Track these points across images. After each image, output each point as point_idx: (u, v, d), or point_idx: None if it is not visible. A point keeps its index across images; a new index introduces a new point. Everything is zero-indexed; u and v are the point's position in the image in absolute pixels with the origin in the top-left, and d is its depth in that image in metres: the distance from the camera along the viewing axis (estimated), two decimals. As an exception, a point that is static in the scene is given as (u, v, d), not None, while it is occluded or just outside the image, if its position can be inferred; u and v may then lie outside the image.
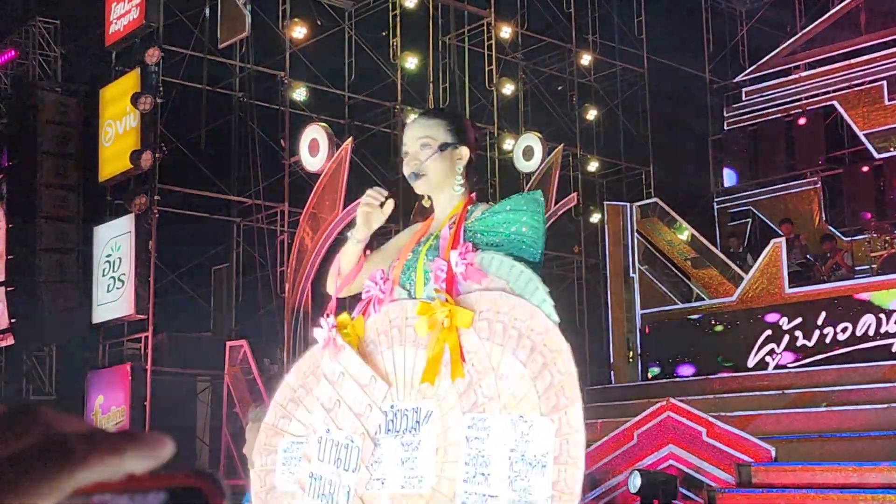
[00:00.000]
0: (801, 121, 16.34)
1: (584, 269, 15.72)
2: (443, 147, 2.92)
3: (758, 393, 10.18)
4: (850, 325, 10.84)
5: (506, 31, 15.21)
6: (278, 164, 13.03)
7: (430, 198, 2.99)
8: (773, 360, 11.29)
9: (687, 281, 13.47)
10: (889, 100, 15.10)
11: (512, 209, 2.80)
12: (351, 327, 2.95)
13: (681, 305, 12.91)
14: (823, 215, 16.03)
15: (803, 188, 16.32)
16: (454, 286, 2.73)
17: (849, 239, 14.93)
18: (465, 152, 2.97)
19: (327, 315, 2.98)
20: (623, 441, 8.68)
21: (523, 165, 14.16)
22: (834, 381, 9.89)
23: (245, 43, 13.17)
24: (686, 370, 12.06)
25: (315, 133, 12.08)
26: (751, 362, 11.43)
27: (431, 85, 14.44)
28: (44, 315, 13.35)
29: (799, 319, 11.21)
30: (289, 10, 13.34)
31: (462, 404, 2.64)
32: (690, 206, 15.60)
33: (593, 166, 16.09)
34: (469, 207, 2.92)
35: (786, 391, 9.89)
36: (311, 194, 11.39)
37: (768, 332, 11.39)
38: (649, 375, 12.39)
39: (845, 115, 15.64)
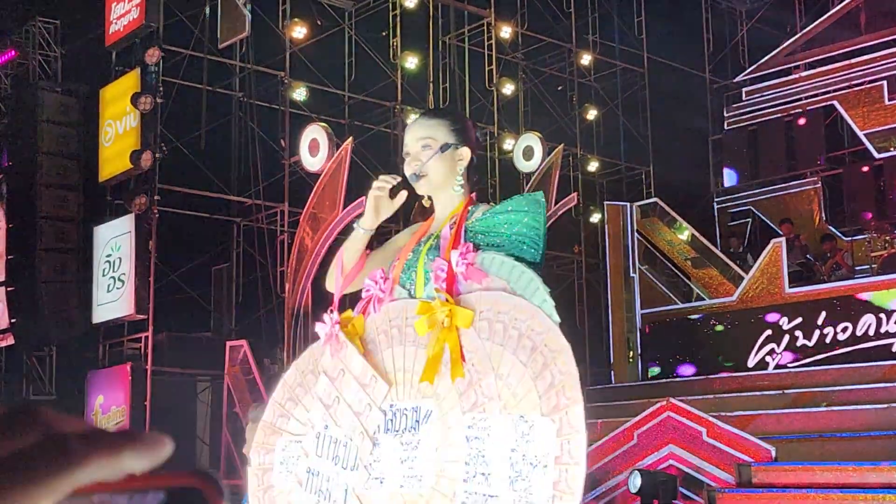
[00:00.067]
0: (801, 121, 16.34)
1: (584, 269, 15.72)
2: (444, 148, 2.92)
3: (758, 393, 10.18)
4: (850, 325, 10.85)
5: (506, 31, 15.22)
6: (278, 164, 13.03)
7: (430, 198, 2.99)
8: (774, 359, 11.29)
9: (687, 281, 13.47)
10: (889, 100, 15.10)
11: (513, 210, 2.80)
12: (352, 325, 2.95)
13: (681, 305, 12.91)
14: (823, 215, 16.03)
15: (803, 188, 16.33)
16: (454, 286, 2.73)
17: (849, 239, 14.93)
18: (466, 153, 2.97)
19: (331, 311, 2.98)
20: (623, 441, 8.68)
21: (523, 165, 14.16)
22: (834, 381, 9.89)
23: (245, 43, 13.17)
24: (686, 370, 12.06)
25: (315, 133, 12.08)
26: (751, 362, 11.43)
27: (431, 85, 14.44)
28: (44, 315, 13.35)
29: (799, 319, 11.21)
30: (289, 10, 13.34)
31: (462, 404, 2.64)
32: (690, 206, 15.60)
33: (593, 166, 16.09)
34: (470, 208, 2.92)
35: (786, 391, 9.89)
36: (311, 194, 11.39)
37: (768, 331, 11.39)
38: (649, 375, 12.39)
39: (845, 115, 15.64)
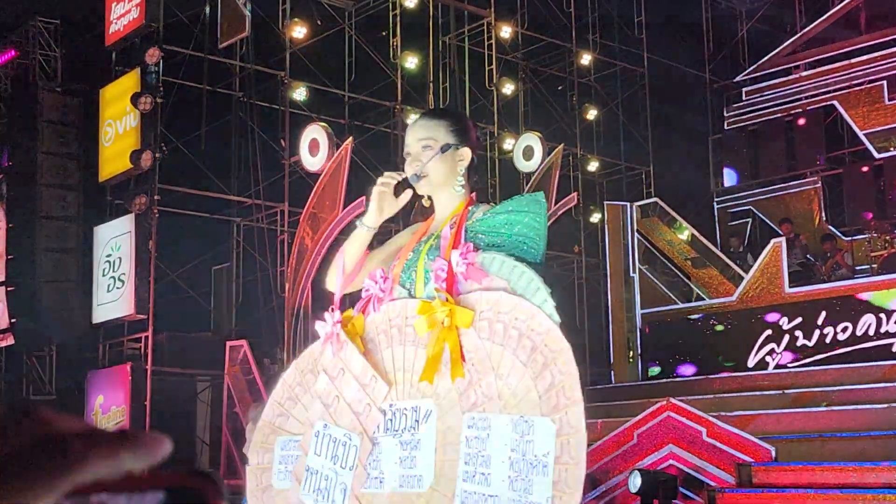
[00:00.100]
0: (801, 121, 16.35)
1: (584, 269, 15.72)
2: (444, 148, 2.92)
3: (758, 393, 10.17)
4: (850, 325, 10.84)
5: (506, 31, 15.22)
6: (278, 164, 13.03)
7: (430, 198, 2.99)
8: (774, 359, 11.29)
9: (687, 281, 13.46)
10: (889, 99, 15.11)
11: (514, 210, 2.80)
12: (351, 324, 2.95)
13: (681, 305, 12.91)
14: (823, 215, 16.03)
15: (803, 188, 16.33)
16: (454, 286, 2.73)
17: (849, 239, 14.93)
18: (466, 153, 2.97)
19: (332, 310, 2.98)
20: (623, 441, 8.67)
21: (523, 165, 14.16)
22: (834, 381, 9.89)
23: (245, 43, 13.17)
24: (686, 370, 12.06)
25: (315, 133, 12.08)
26: (751, 362, 11.42)
27: (431, 85, 14.44)
28: (44, 315, 13.35)
29: (799, 319, 11.21)
30: (289, 10, 13.34)
31: (462, 404, 2.64)
32: (690, 206, 15.60)
33: (593, 166, 16.09)
34: (470, 208, 2.92)
35: (786, 391, 9.89)
36: (311, 194, 11.39)
37: (768, 331, 11.39)
38: (649, 375, 12.39)
39: (845, 115, 15.65)
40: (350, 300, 3.07)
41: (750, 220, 16.70)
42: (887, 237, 13.82)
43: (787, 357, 11.20)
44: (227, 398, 11.57)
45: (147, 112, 12.07)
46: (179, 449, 0.57)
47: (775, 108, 16.59)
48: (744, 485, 7.93)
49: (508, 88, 15.39)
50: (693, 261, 13.33)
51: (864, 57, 15.66)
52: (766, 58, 16.78)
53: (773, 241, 12.21)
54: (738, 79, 17.11)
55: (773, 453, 8.04)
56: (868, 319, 10.75)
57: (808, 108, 16.26)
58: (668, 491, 7.79)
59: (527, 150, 14.15)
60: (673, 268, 13.53)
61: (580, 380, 2.46)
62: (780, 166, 16.66)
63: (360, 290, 3.01)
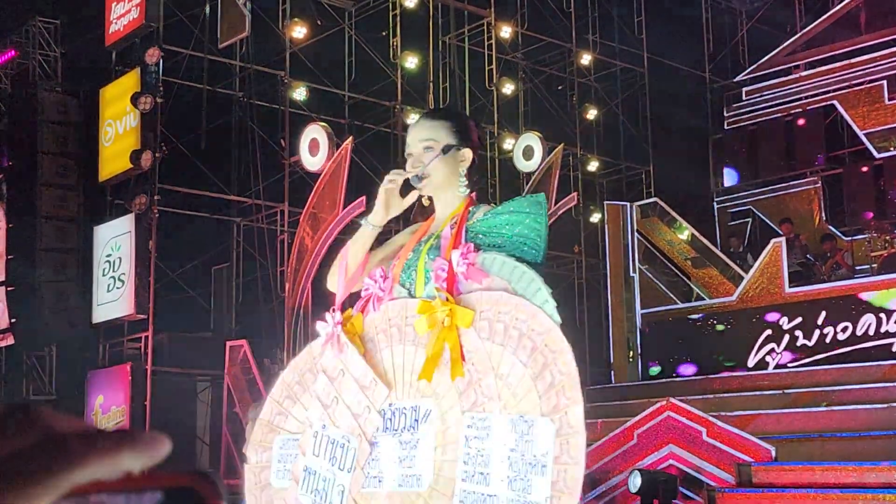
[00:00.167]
0: (801, 121, 16.35)
1: (584, 269, 15.72)
2: (446, 149, 2.92)
3: (758, 392, 10.17)
4: (850, 325, 10.84)
5: (506, 31, 15.21)
6: (278, 164, 13.03)
7: (430, 198, 2.99)
8: (774, 359, 11.29)
9: (687, 281, 13.46)
10: (889, 99, 15.11)
11: (514, 211, 2.80)
12: (350, 324, 2.95)
13: (681, 305, 12.91)
14: (823, 215, 16.03)
15: (803, 188, 16.33)
16: (455, 286, 2.73)
17: (849, 239, 14.93)
18: (468, 154, 2.97)
19: (333, 311, 2.98)
20: (623, 441, 8.67)
21: (523, 165, 14.16)
22: (834, 380, 9.89)
23: (245, 43, 13.17)
24: (686, 370, 12.06)
25: (315, 133, 12.08)
26: (751, 362, 11.42)
27: (431, 85, 14.44)
28: (44, 315, 13.35)
29: (799, 319, 11.21)
30: (289, 10, 13.34)
31: (462, 403, 2.64)
32: (690, 206, 15.60)
33: (593, 166, 16.09)
34: (471, 208, 2.92)
35: (786, 391, 9.89)
36: (311, 194, 11.39)
37: (768, 331, 11.39)
38: (650, 375, 12.39)
39: (845, 115, 15.65)
40: (350, 300, 3.07)
41: (750, 220, 16.70)
42: (887, 237, 13.82)
43: (787, 357, 11.20)
44: (227, 398, 11.58)
45: (147, 112, 12.07)
46: (179, 449, 0.57)
47: (775, 108, 16.59)
48: (744, 485, 7.93)
49: (508, 88, 15.38)
50: (693, 261, 13.33)
51: (864, 57, 15.66)
52: (766, 58, 16.78)
53: (773, 241, 12.21)
54: (738, 79, 17.12)
55: (773, 453, 8.04)
56: (868, 319, 10.75)
57: (808, 108, 16.26)
58: (668, 491, 7.79)
59: (527, 149, 14.15)
60: (673, 268, 13.53)
61: (580, 380, 2.46)
62: (780, 166, 16.66)
63: (360, 290, 3.01)
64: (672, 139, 16.56)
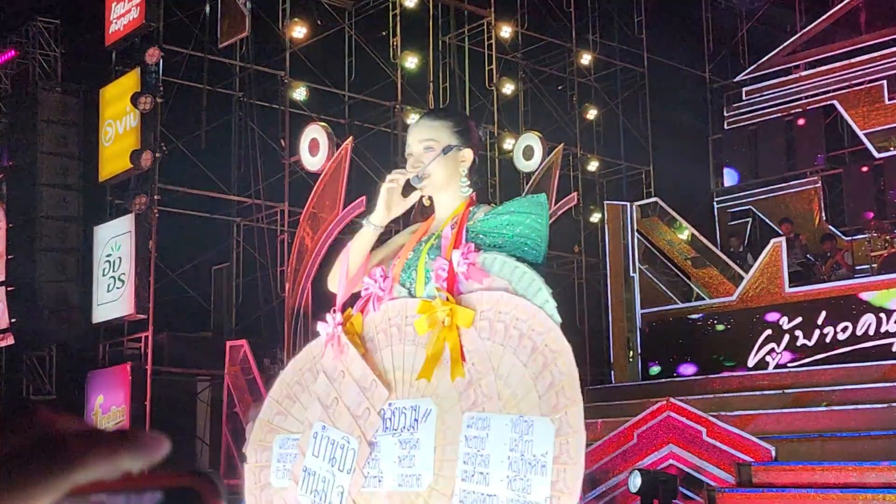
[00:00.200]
0: (801, 120, 16.35)
1: (584, 269, 15.72)
2: (446, 150, 2.92)
3: (758, 392, 10.17)
4: (850, 325, 10.84)
5: (506, 31, 15.21)
6: (278, 164, 13.03)
7: (430, 198, 2.99)
8: (774, 359, 11.29)
9: (687, 280, 13.46)
10: (889, 99, 15.11)
11: (515, 212, 2.80)
12: (350, 323, 2.95)
13: (681, 305, 12.91)
14: (823, 215, 16.03)
15: (803, 188, 16.33)
16: (455, 286, 2.73)
17: (849, 238, 14.93)
18: (468, 154, 2.97)
19: (334, 311, 2.97)
20: (623, 441, 8.67)
21: (523, 165, 14.16)
22: (834, 380, 9.89)
23: (245, 43, 13.17)
24: (686, 370, 12.06)
25: (315, 133, 12.08)
26: (751, 362, 11.42)
27: (431, 85, 14.44)
28: (44, 315, 13.35)
29: (799, 319, 11.21)
30: (289, 10, 13.34)
31: (461, 403, 2.64)
32: (690, 206, 15.59)
33: (593, 166, 16.09)
34: (471, 209, 2.92)
35: (786, 391, 9.89)
36: (311, 194, 11.38)
37: (768, 331, 11.39)
38: (650, 374, 12.39)
39: (845, 115, 15.65)
40: (351, 300, 3.07)
41: (750, 219, 16.70)
42: (887, 237, 13.81)
43: (787, 357, 11.20)
44: (227, 398, 11.57)
45: (147, 112, 12.07)
46: (179, 449, 0.57)
47: (775, 108, 16.59)
48: (744, 484, 7.93)
49: (508, 88, 15.38)
50: (693, 261, 13.33)
51: (864, 57, 15.66)
52: (766, 58, 16.78)
53: (773, 240, 12.21)
54: (738, 79, 17.11)
55: (773, 453, 8.04)
56: (868, 319, 10.75)
57: (808, 107, 16.26)
58: (668, 491, 7.79)
59: (527, 149, 14.15)
60: (673, 268, 13.53)
61: (580, 380, 2.47)
62: (780, 166, 16.66)
63: (360, 290, 3.01)
64: (672, 139, 16.55)
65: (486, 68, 14.94)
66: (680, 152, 16.66)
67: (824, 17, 16.28)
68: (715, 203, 17.15)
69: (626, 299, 12.84)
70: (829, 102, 15.95)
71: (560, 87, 16.37)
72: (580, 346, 12.69)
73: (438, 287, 2.74)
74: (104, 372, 12.47)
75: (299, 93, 13.31)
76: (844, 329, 10.86)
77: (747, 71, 17.04)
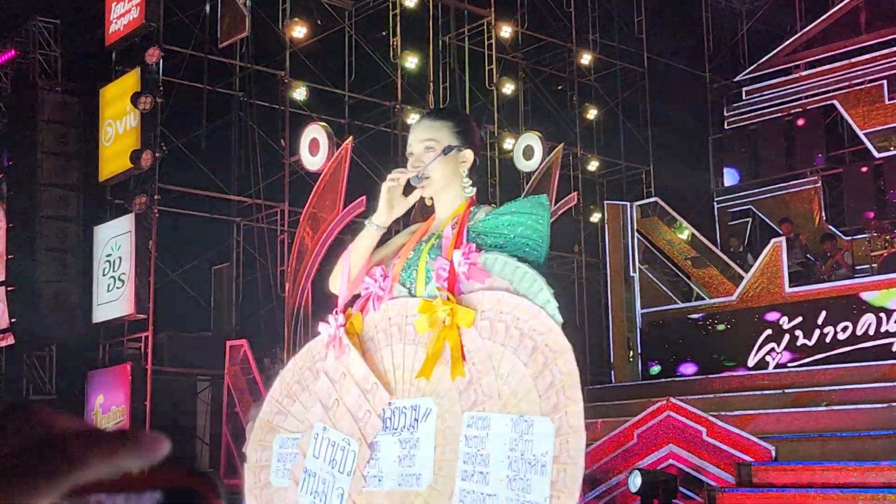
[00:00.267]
0: (801, 120, 16.35)
1: (584, 268, 15.72)
2: (447, 150, 2.92)
3: (758, 392, 10.17)
4: (850, 325, 10.84)
5: (506, 31, 15.21)
6: (278, 164, 13.03)
7: (430, 197, 2.99)
8: (774, 359, 11.29)
9: (687, 280, 13.46)
10: (889, 99, 15.11)
11: (517, 212, 2.80)
12: (350, 323, 2.95)
13: (681, 305, 12.91)
14: (823, 215, 16.03)
15: (803, 188, 16.33)
16: (456, 285, 2.73)
17: (849, 238, 14.93)
18: (469, 155, 2.97)
19: (336, 313, 2.97)
20: (623, 440, 8.67)
21: (523, 165, 14.16)
22: (834, 380, 9.89)
23: (245, 43, 13.17)
24: (686, 369, 12.06)
25: (315, 133, 12.08)
26: (751, 362, 11.42)
27: (431, 85, 14.44)
28: (44, 315, 13.35)
29: (799, 319, 11.21)
30: (289, 10, 13.34)
31: (462, 403, 2.64)
32: (690, 205, 15.60)
33: (593, 166, 16.09)
34: (472, 209, 2.92)
35: (786, 391, 9.89)
36: (311, 194, 11.38)
37: (768, 331, 11.39)
38: (650, 374, 12.39)
39: (845, 115, 15.65)
40: (351, 301, 3.06)
41: (750, 219, 16.70)
42: (887, 237, 13.81)
43: (787, 357, 11.20)
44: (227, 398, 11.57)
45: (147, 112, 12.07)
46: (179, 449, 0.57)
47: (775, 108, 16.59)
48: (744, 484, 7.93)
49: (508, 88, 15.38)
50: (693, 260, 13.33)
51: (864, 57, 15.66)
52: (766, 58, 16.78)
53: (773, 240, 12.21)
54: (738, 78, 17.12)
55: (773, 453, 8.04)
56: (868, 319, 10.75)
57: (808, 107, 16.26)
58: (668, 491, 7.79)
59: (527, 149, 14.15)
60: (673, 268, 13.53)
61: (580, 379, 2.47)
62: (780, 166, 16.66)
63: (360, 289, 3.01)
64: (672, 139, 16.55)
65: (486, 68, 14.94)
66: (680, 152, 16.66)
67: (824, 17, 16.28)
68: (715, 203, 17.16)
69: (627, 299, 12.84)
70: (829, 102, 15.96)
71: (560, 87, 16.37)
72: (580, 346, 12.69)
73: (439, 287, 2.74)
74: (104, 372, 12.47)
75: (299, 93, 13.31)
76: (844, 329, 10.86)
77: (747, 71, 17.04)
